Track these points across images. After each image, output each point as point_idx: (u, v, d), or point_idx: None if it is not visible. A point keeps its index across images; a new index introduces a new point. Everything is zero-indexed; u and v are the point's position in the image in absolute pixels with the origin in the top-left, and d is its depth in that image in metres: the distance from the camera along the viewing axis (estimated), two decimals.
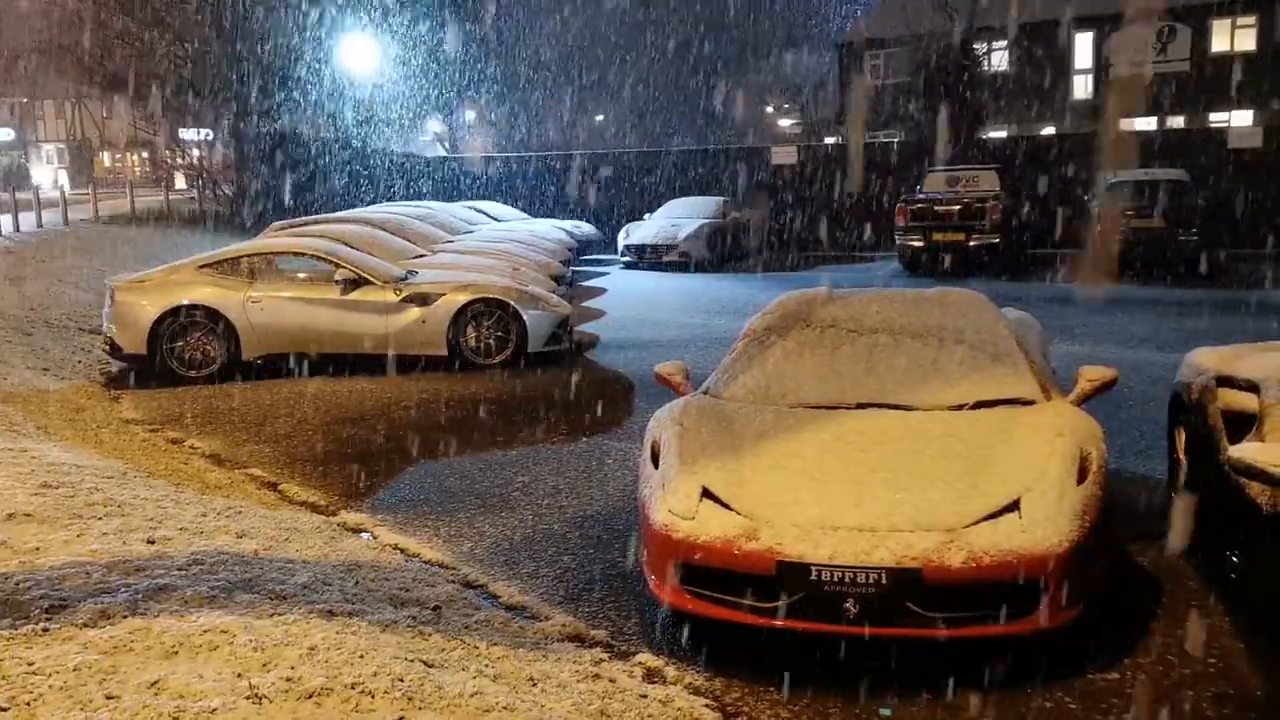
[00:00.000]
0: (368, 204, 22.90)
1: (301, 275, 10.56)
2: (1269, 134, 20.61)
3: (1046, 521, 3.87)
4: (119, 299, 10.19)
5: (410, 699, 3.18)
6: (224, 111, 26.27)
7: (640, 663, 4.06)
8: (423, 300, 10.38)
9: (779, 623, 3.91)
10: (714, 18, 54.09)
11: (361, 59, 29.70)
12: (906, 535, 3.85)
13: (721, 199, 22.62)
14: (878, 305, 5.60)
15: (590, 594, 4.84)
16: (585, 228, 22.60)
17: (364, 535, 5.71)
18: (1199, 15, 29.68)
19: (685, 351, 10.59)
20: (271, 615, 3.76)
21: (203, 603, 3.81)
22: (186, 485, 6.35)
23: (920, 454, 4.32)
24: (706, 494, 4.19)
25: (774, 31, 57.18)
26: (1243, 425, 4.64)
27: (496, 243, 15.60)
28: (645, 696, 3.71)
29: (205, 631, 3.50)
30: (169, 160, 31.21)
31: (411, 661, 3.47)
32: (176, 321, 10.08)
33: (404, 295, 10.41)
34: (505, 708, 3.26)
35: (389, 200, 25.40)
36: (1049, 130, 30.75)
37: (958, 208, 17.92)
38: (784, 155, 25.12)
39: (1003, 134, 27.67)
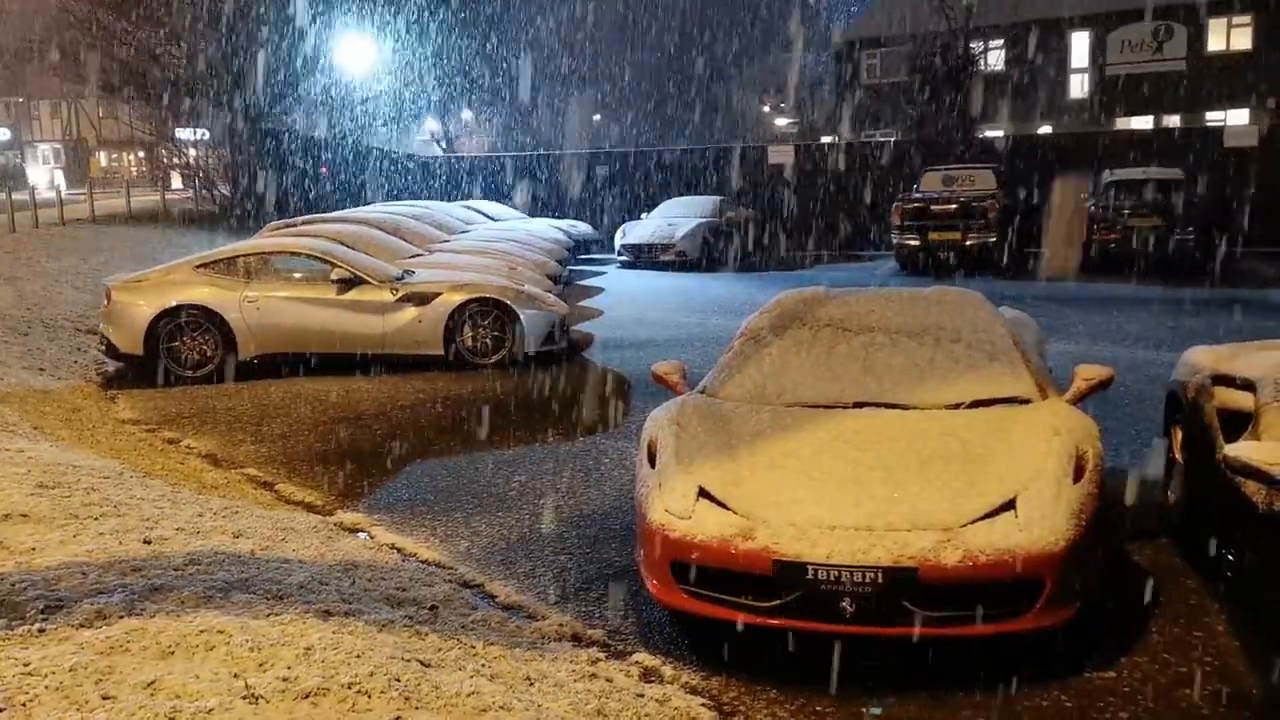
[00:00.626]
0: (364, 203, 22.88)
1: (298, 275, 10.55)
2: (1265, 133, 20.63)
3: (1043, 520, 3.88)
4: (115, 299, 10.18)
5: (407, 699, 3.18)
6: (220, 111, 26.23)
7: (637, 662, 4.06)
8: (419, 300, 10.37)
9: (776, 622, 3.91)
10: (712, 18, 54.13)
11: (358, 59, 29.68)
12: (903, 534, 3.85)
13: (718, 198, 22.63)
14: (875, 304, 5.60)
15: (587, 593, 4.84)
16: (582, 227, 22.61)
17: (360, 535, 5.70)
18: (1195, 14, 29.71)
19: (682, 351, 10.59)
20: (268, 615, 3.76)
21: (199, 603, 3.80)
22: (183, 485, 6.34)
23: (917, 453, 4.32)
24: (703, 493, 4.19)
25: (771, 31, 57.18)
26: (1239, 424, 4.64)
27: (493, 242, 15.60)
28: (642, 696, 3.71)
29: (202, 632, 3.49)
30: (165, 160, 31.15)
31: (408, 661, 3.47)
32: (173, 321, 10.08)
33: (400, 295, 10.40)
34: (502, 707, 3.26)
35: (386, 200, 25.39)
36: (1046, 129, 30.77)
37: (954, 207, 17.93)
38: (781, 155, 25.12)
39: (999, 133, 27.67)
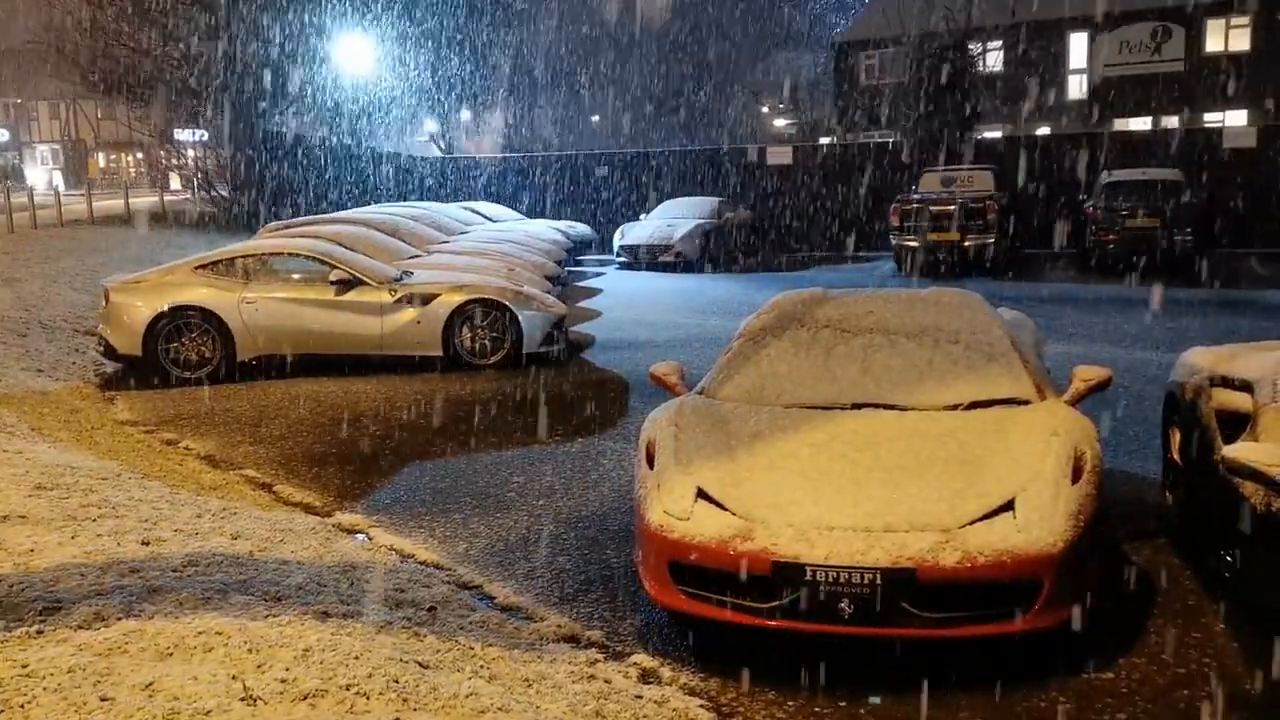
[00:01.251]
0: (363, 205, 22.88)
1: (296, 276, 10.55)
2: (1263, 134, 20.65)
3: (1041, 521, 3.88)
4: (114, 300, 10.18)
5: (405, 700, 3.18)
6: (218, 112, 26.21)
7: (635, 663, 4.06)
8: (418, 301, 10.37)
9: (774, 623, 3.91)
10: (711, 18, 54.14)
11: (358, 60, 29.68)
12: (902, 535, 3.85)
13: (717, 199, 22.63)
14: (873, 305, 5.60)
15: (585, 595, 4.84)
16: (580, 228, 22.61)
17: (359, 536, 5.70)
18: (1194, 15, 29.75)
19: (681, 352, 10.59)
20: (266, 617, 3.75)
21: (197, 604, 3.80)
22: (181, 487, 6.34)
23: (915, 454, 4.32)
24: (701, 494, 4.19)
25: (770, 32, 57.21)
26: (1237, 425, 4.65)
27: (492, 243, 15.60)
28: (640, 697, 3.71)
29: (200, 633, 3.49)
30: (164, 161, 31.13)
31: (406, 663, 3.46)
32: (172, 322, 10.07)
33: (399, 296, 10.40)
34: (500, 709, 3.26)
35: (384, 201, 25.38)
36: (1044, 130, 30.80)
37: (953, 208, 17.94)
38: (779, 156, 25.13)
39: (998, 134, 27.68)
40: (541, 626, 4.39)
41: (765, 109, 59.28)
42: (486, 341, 10.43)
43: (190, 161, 29.79)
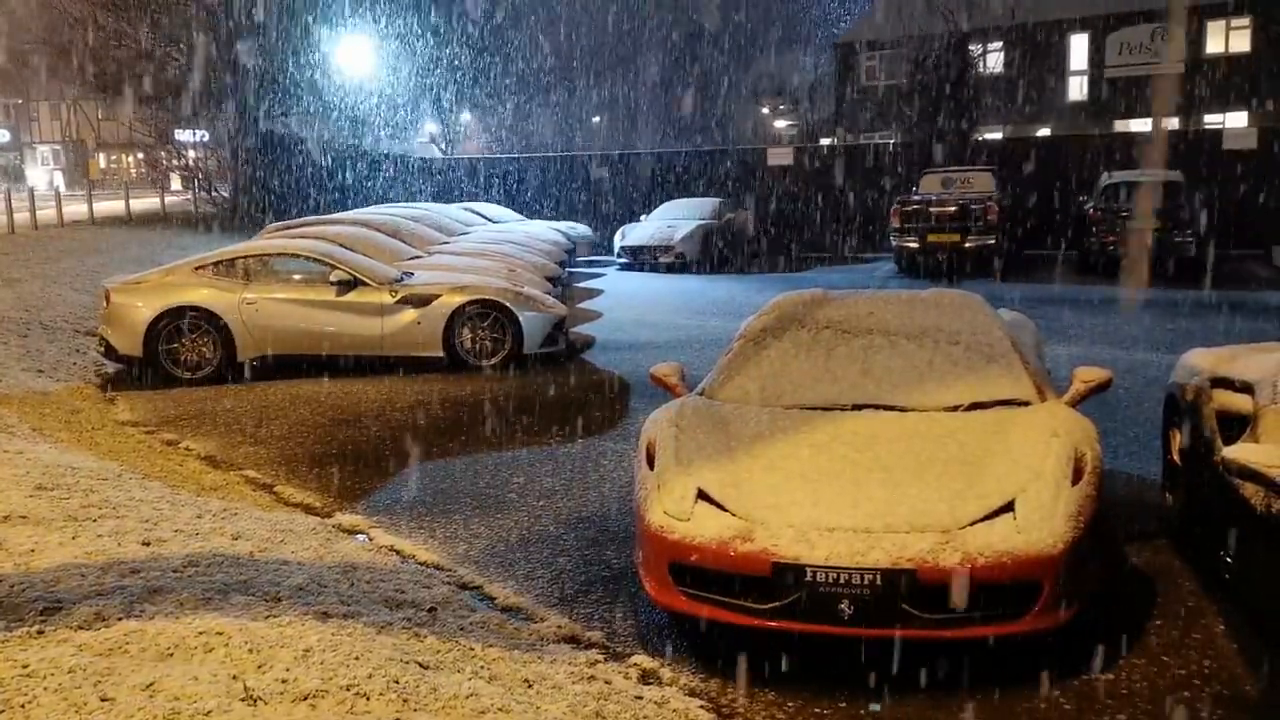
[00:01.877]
0: (364, 205, 22.89)
1: (297, 277, 10.56)
2: (1263, 135, 20.65)
3: (1042, 523, 3.88)
4: (114, 300, 10.18)
5: (405, 701, 3.18)
6: (219, 113, 26.23)
7: (636, 664, 4.06)
8: (418, 302, 10.37)
9: (774, 624, 3.91)
10: (712, 19, 54.17)
11: (358, 61, 29.69)
12: (902, 536, 3.85)
13: (717, 200, 22.63)
14: (873, 307, 5.60)
15: (586, 595, 4.84)
16: (581, 229, 22.61)
17: (359, 537, 5.70)
18: (1194, 16, 29.74)
19: (681, 353, 10.60)
20: (266, 617, 3.76)
21: (198, 605, 3.80)
22: (182, 487, 6.34)
23: (916, 455, 4.32)
24: (702, 495, 4.19)
25: (771, 32, 57.23)
26: (1237, 426, 4.65)
27: (492, 244, 15.60)
28: (640, 698, 3.71)
29: (200, 634, 3.49)
30: (165, 162, 31.13)
31: (407, 663, 3.47)
32: (172, 323, 10.08)
33: (400, 297, 10.40)
34: (500, 709, 3.26)
35: (385, 201, 25.38)
36: (1044, 131, 30.81)
37: (953, 209, 17.95)
38: (780, 157, 25.13)
39: (998, 135, 27.69)
40: (542, 627, 4.40)
41: (766, 110, 59.32)
42: (487, 342, 10.43)
43: (191, 162, 29.79)
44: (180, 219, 25.03)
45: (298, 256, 10.70)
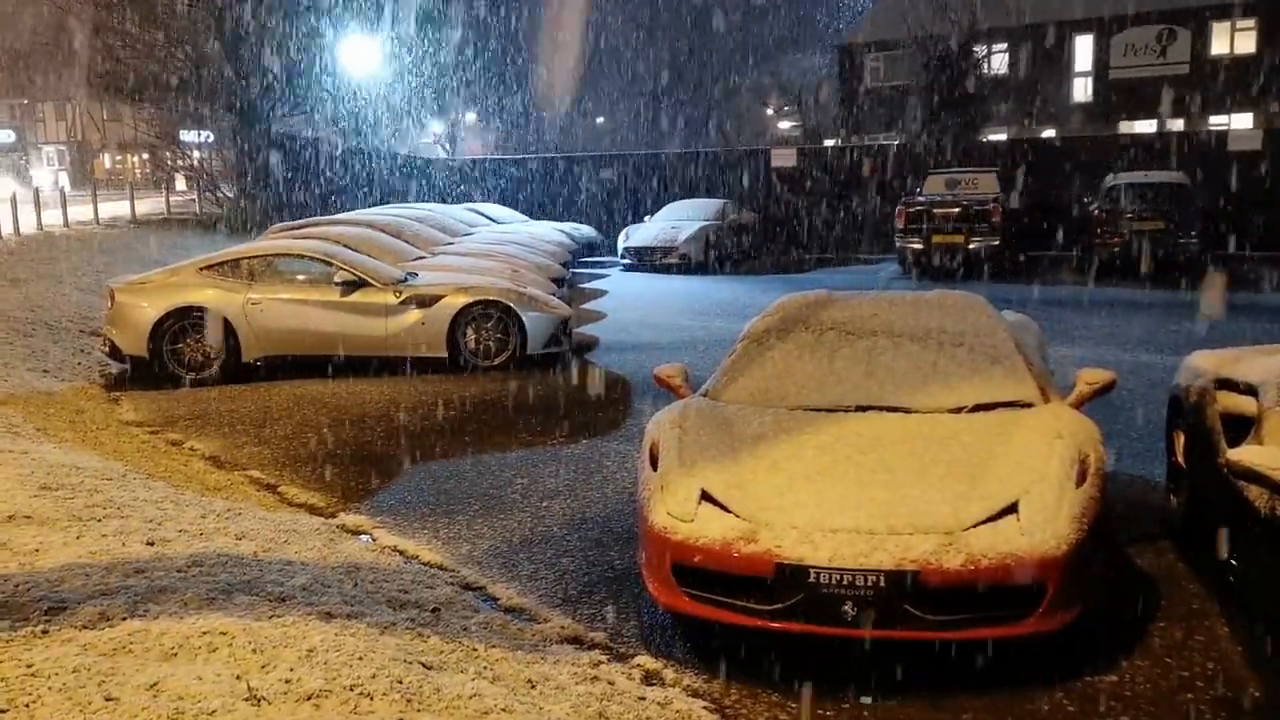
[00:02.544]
0: (368, 206, 22.91)
1: (301, 277, 10.57)
2: (1268, 136, 20.61)
3: (1045, 524, 3.88)
4: (119, 301, 10.20)
5: (409, 701, 3.18)
6: (224, 114, 26.25)
7: (639, 665, 4.07)
8: (422, 302, 10.38)
9: (777, 625, 3.91)
10: (714, 20, 54.16)
11: (363, 61, 29.70)
12: (905, 538, 3.85)
13: (721, 201, 22.62)
14: (877, 308, 5.60)
15: (589, 596, 4.84)
16: (585, 230, 22.62)
17: (363, 537, 5.71)
18: (1199, 18, 29.70)
19: (685, 354, 10.60)
20: (270, 617, 3.76)
21: (202, 604, 3.81)
22: (186, 487, 6.35)
23: (919, 456, 4.32)
24: (705, 496, 4.19)
25: (775, 33, 57.22)
26: (1241, 428, 4.64)
27: (496, 245, 15.62)
28: (644, 699, 3.71)
29: (204, 633, 3.50)
30: (170, 162, 31.16)
31: (410, 663, 3.47)
32: (177, 323, 10.09)
33: (404, 297, 10.42)
34: (504, 710, 3.26)
35: (389, 202, 25.40)
36: (1049, 133, 30.77)
37: (957, 210, 17.93)
38: (784, 158, 25.12)
39: (1002, 136, 27.65)
40: (545, 628, 4.40)
41: (770, 111, 59.28)
42: (491, 343, 10.44)
43: (196, 163, 29.83)
44: (185, 219, 25.05)
45: (302, 257, 10.72)
